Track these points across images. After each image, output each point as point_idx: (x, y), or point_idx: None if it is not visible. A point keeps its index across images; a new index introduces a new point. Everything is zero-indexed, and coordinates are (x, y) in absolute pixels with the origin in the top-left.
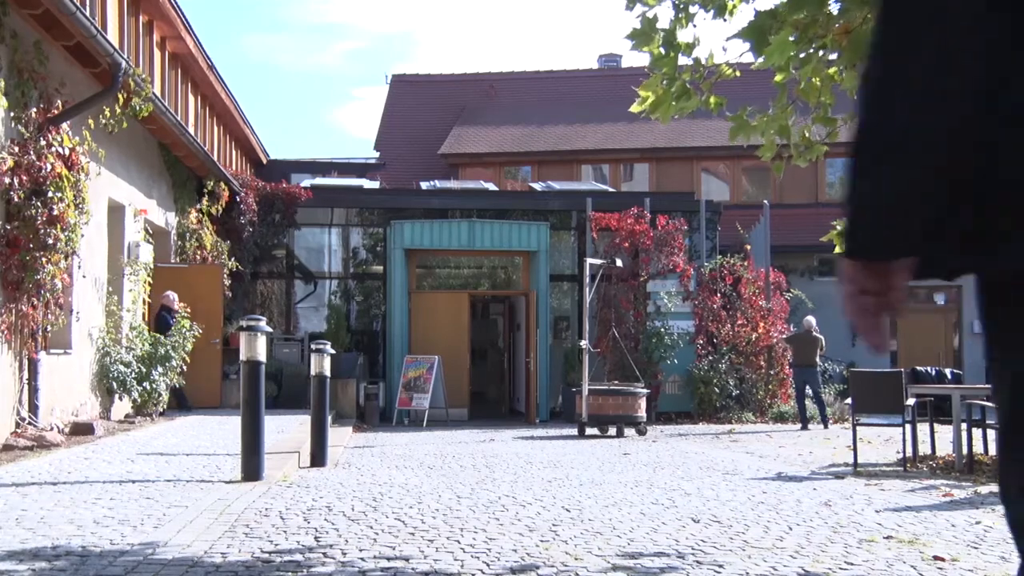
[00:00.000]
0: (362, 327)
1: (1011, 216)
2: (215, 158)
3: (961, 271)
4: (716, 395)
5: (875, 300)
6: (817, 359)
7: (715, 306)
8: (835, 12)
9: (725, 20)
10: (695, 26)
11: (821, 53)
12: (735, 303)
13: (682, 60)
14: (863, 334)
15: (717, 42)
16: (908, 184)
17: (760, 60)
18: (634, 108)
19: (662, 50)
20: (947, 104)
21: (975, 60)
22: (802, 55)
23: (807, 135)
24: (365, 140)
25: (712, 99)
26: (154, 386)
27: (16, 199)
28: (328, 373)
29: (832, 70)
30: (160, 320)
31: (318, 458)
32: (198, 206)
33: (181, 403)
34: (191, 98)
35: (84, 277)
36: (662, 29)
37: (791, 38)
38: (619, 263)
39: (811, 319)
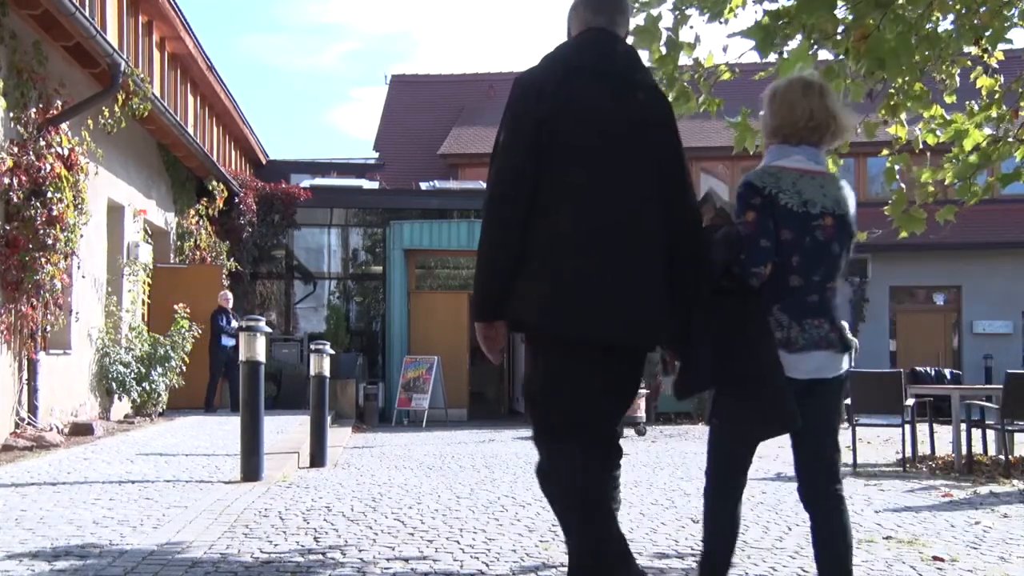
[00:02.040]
0: (361, 327)
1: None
2: (214, 158)
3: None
4: None
5: (492, 341)
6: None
7: None
8: (844, 16)
9: (722, 23)
10: (692, 28)
11: (830, 58)
12: None
13: (682, 60)
14: (489, 358)
15: (717, 42)
16: (489, 287)
17: (768, 59)
18: None
19: (663, 49)
20: (507, 216)
21: (522, 184)
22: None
23: None
24: (363, 141)
25: (710, 100)
26: (153, 386)
27: (15, 199)
28: (327, 373)
29: (836, 82)
30: (215, 321)
31: (317, 458)
32: (197, 206)
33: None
34: (190, 98)
35: (83, 277)
36: (666, 28)
37: (810, 46)
38: None
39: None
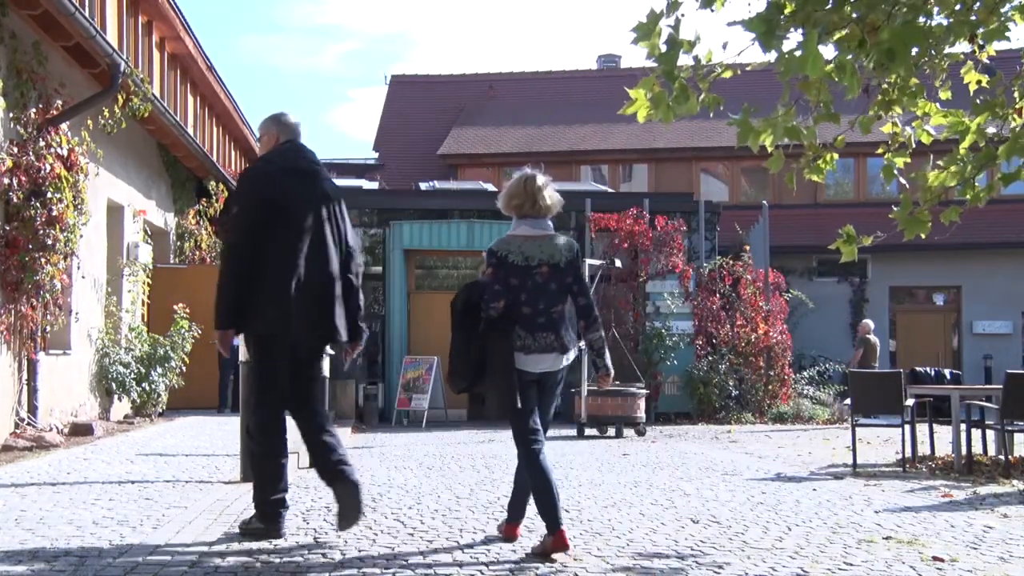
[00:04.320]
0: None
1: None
2: (214, 158)
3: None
4: (715, 396)
5: (225, 342)
6: (875, 362)
7: (714, 307)
8: (848, 10)
9: (712, 11)
10: (683, 15)
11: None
12: (734, 304)
13: (682, 59)
14: (222, 352)
15: (717, 39)
16: (224, 310)
17: (768, 58)
18: (626, 110)
19: (663, 47)
20: (241, 260)
21: (252, 239)
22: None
23: (816, 143)
24: (363, 141)
25: (711, 98)
26: (153, 387)
27: (15, 200)
28: (327, 373)
29: (829, 67)
30: None
31: None
32: (197, 207)
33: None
34: (190, 98)
35: (83, 278)
36: (668, 26)
37: (818, 41)
38: (618, 264)
39: (869, 322)
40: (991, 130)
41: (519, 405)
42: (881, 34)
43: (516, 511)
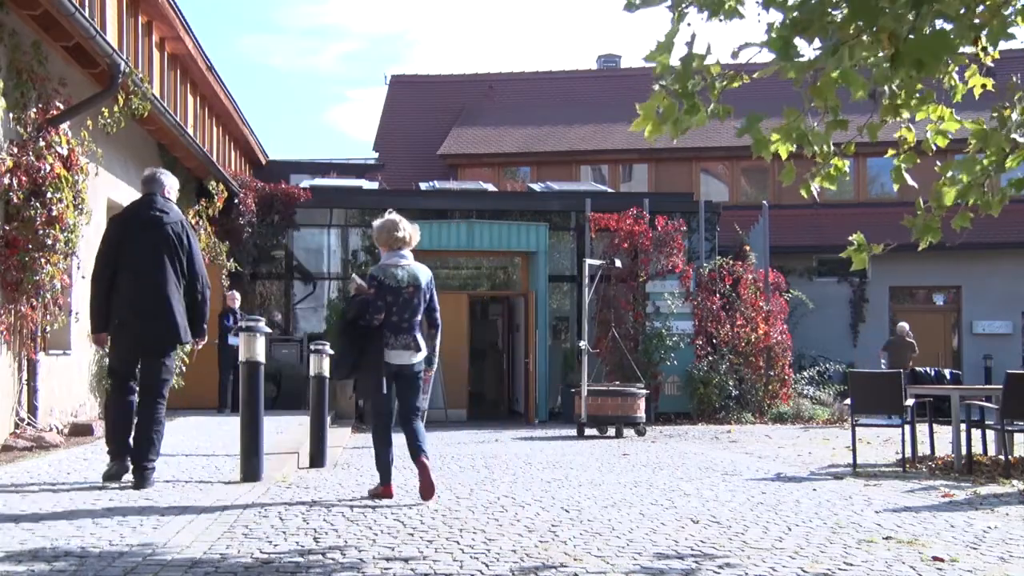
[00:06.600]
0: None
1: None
2: (214, 159)
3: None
4: (715, 396)
5: (100, 343)
6: (910, 363)
7: (714, 307)
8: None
9: (721, 20)
10: (689, 24)
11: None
12: (734, 304)
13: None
14: (98, 347)
15: (725, 48)
16: (95, 318)
17: (768, 63)
18: (634, 127)
19: (677, 62)
20: (100, 282)
21: (106, 268)
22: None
23: (827, 149)
24: (363, 141)
25: (719, 108)
26: None
27: (15, 200)
28: (327, 374)
29: (835, 73)
30: (222, 321)
31: (317, 459)
32: (197, 207)
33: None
34: (190, 99)
35: (83, 278)
36: (686, 43)
37: (835, 51)
38: (618, 264)
39: (904, 325)
40: (994, 126)
41: (384, 390)
42: (910, 44)
43: (385, 474)
